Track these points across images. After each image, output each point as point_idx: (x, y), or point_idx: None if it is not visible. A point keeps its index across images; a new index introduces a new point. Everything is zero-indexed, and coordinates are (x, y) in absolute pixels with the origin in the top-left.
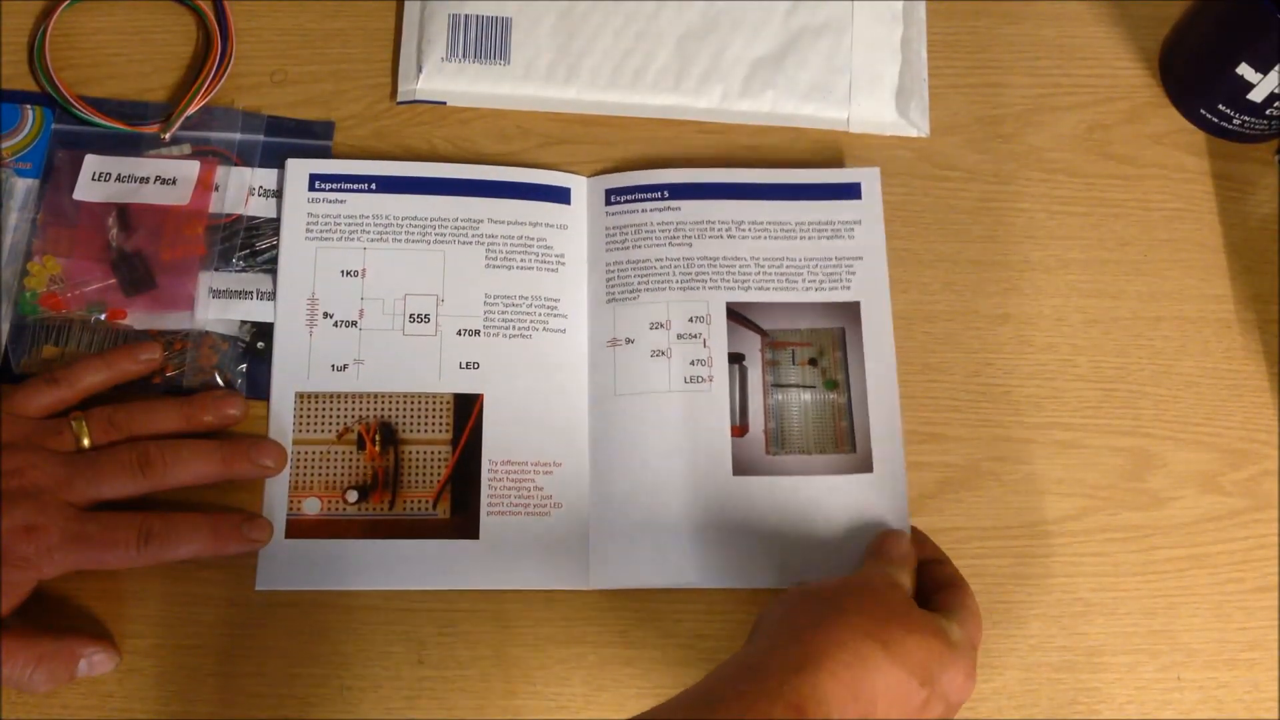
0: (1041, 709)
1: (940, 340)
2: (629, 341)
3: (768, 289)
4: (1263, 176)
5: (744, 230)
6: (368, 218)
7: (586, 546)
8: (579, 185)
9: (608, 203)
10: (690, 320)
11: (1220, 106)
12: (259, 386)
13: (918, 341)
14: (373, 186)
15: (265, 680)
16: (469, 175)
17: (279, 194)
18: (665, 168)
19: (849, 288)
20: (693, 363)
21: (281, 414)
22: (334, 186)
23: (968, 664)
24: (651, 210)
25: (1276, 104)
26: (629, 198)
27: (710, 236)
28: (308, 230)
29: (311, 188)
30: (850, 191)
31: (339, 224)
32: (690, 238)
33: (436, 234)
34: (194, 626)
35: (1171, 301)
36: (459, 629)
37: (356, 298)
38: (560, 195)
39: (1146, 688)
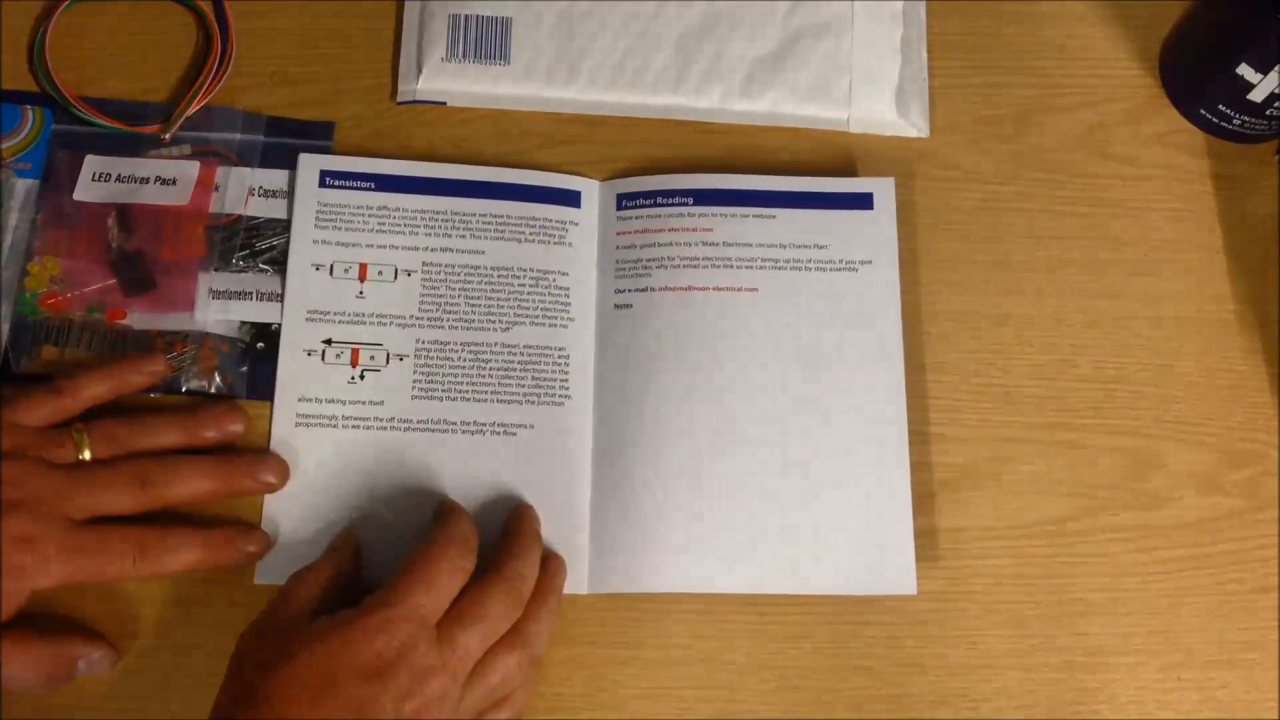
0: (1041, 709)
1: (940, 340)
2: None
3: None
4: (1263, 177)
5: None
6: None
7: (585, 551)
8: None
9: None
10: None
11: (1220, 106)
12: (259, 387)
13: (918, 341)
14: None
15: None
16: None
17: (290, 190)
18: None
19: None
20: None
21: (285, 413)
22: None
23: (369, 627)
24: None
25: (1276, 104)
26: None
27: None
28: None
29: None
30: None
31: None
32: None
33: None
34: (194, 626)
35: (1171, 301)
36: None
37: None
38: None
39: (1146, 688)
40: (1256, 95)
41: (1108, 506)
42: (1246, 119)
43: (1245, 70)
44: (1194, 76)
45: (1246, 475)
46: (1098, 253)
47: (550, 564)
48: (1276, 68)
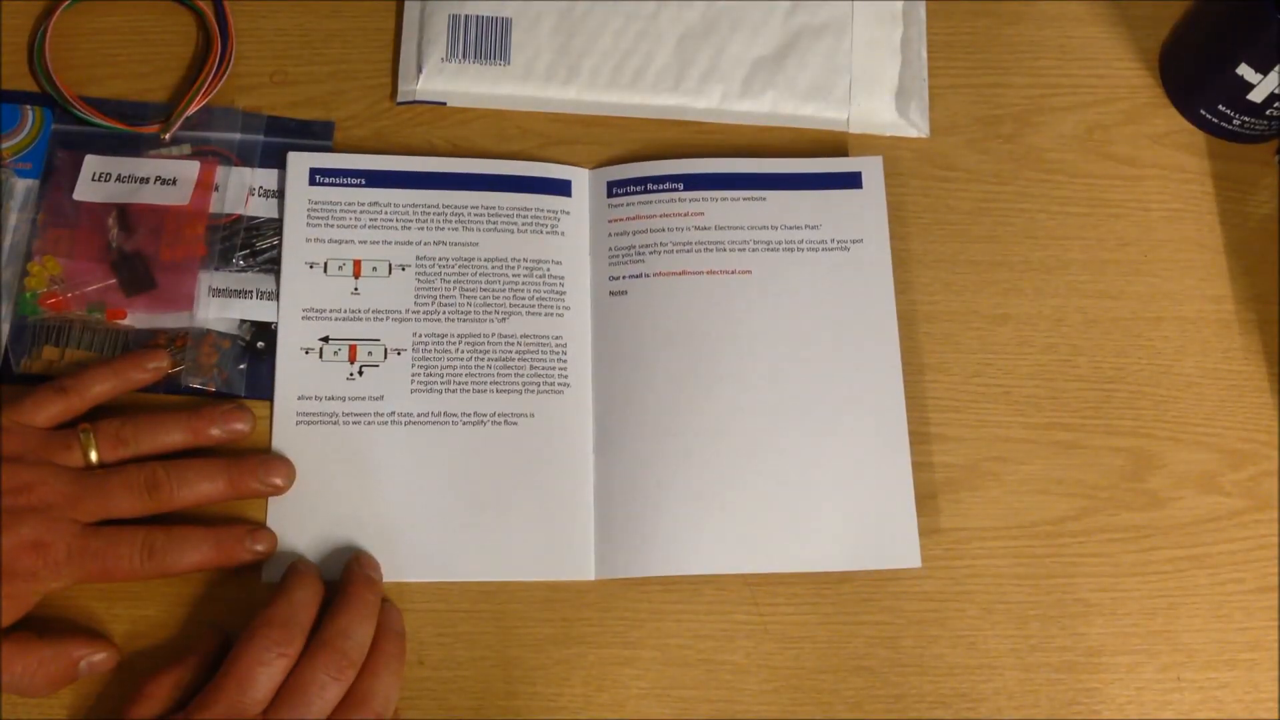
0: (1041, 709)
1: (940, 340)
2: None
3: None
4: (1263, 176)
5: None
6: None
7: (590, 538)
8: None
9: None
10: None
11: (1220, 106)
12: (259, 385)
13: (918, 341)
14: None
15: None
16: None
17: (281, 189)
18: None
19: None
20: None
21: (285, 412)
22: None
23: None
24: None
25: (1276, 104)
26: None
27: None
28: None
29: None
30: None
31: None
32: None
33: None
34: (195, 627)
35: (1171, 301)
36: (459, 629)
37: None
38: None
39: (1146, 688)
40: (1256, 95)
41: (1107, 506)
42: (1246, 119)
43: (1245, 70)
44: (1194, 76)
45: (1246, 475)
46: (1098, 253)
47: (385, 611)
48: (1276, 68)
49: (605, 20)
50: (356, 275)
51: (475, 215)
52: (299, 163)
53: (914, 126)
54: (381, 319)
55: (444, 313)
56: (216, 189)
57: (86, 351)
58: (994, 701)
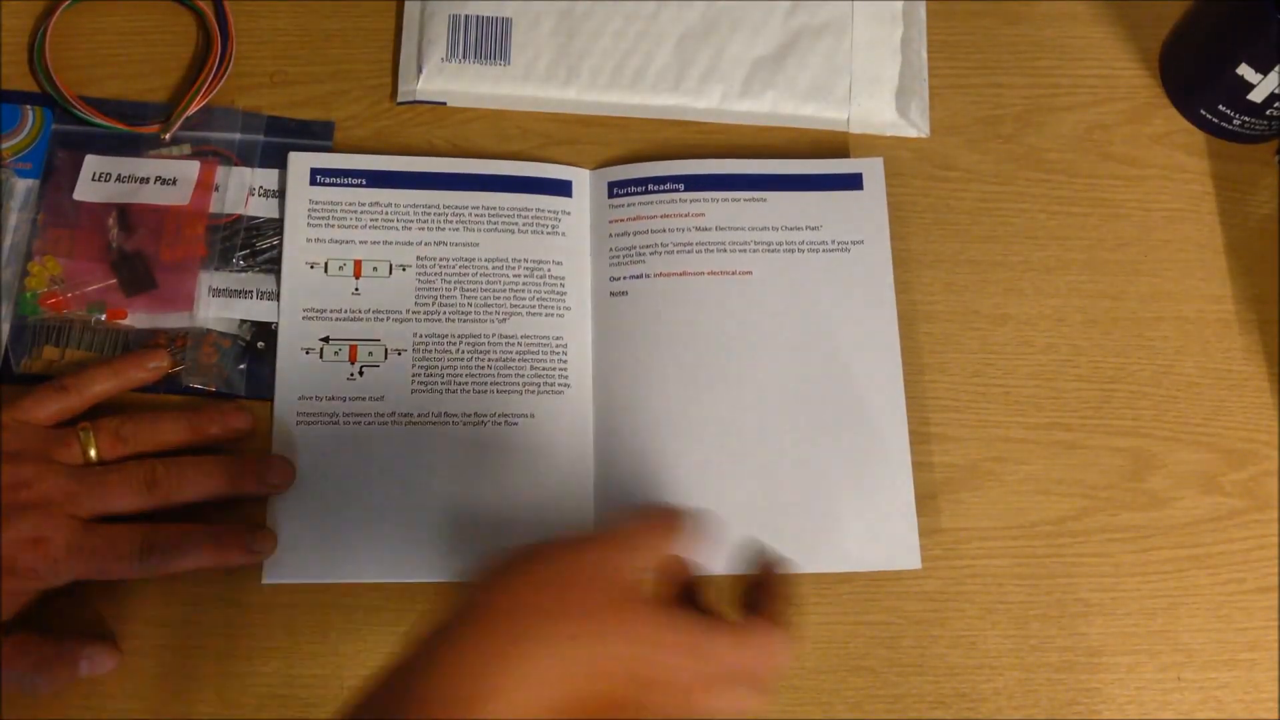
0: (1041, 709)
1: (940, 340)
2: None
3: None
4: (1263, 176)
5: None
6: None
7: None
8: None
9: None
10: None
11: (1220, 106)
12: (259, 385)
13: (918, 341)
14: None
15: (265, 680)
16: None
17: (282, 189)
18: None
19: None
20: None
21: (286, 412)
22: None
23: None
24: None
25: (1276, 104)
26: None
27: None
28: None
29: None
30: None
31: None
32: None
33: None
34: (194, 626)
35: (1171, 301)
36: None
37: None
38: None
39: (1146, 688)
40: (1256, 95)
41: (1107, 506)
42: (1246, 119)
43: (1245, 70)
44: (1194, 76)
45: (1246, 475)
46: (1098, 253)
47: None
48: (1276, 68)
49: (605, 20)
50: (357, 275)
51: (476, 215)
52: (300, 163)
53: (914, 126)
54: (382, 319)
55: (444, 313)
56: (216, 189)
57: (86, 351)
58: (994, 701)
